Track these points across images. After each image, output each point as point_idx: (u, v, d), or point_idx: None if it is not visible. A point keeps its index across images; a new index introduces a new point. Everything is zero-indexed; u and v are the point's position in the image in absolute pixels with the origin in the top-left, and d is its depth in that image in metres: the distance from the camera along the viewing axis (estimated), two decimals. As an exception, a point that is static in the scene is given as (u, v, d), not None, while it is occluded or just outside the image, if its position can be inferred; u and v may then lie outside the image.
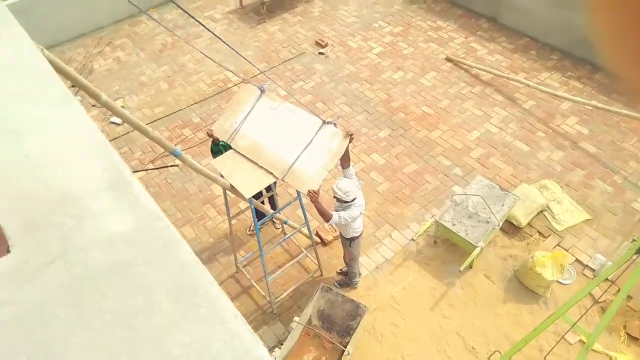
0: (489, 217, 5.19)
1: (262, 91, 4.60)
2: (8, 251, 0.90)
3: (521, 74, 7.71)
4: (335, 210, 4.36)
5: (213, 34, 4.38)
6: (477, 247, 4.96)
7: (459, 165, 6.47)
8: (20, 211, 0.95)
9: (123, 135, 7.27)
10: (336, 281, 5.34)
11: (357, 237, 4.72)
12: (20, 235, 0.92)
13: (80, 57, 8.69)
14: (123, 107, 7.33)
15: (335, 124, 4.15)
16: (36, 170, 1.03)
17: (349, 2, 9.75)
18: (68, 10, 8.70)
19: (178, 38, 9.00)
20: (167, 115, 7.58)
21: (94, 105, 6.99)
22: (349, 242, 4.73)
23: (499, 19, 8.70)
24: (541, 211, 5.76)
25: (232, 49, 4.59)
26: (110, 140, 1.31)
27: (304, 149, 4.14)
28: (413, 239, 5.61)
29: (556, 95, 7.11)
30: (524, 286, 5.18)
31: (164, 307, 0.85)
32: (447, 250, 5.55)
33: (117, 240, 0.92)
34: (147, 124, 3.62)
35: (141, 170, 6.73)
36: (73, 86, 2.91)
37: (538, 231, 5.67)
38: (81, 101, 7.07)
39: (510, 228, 5.67)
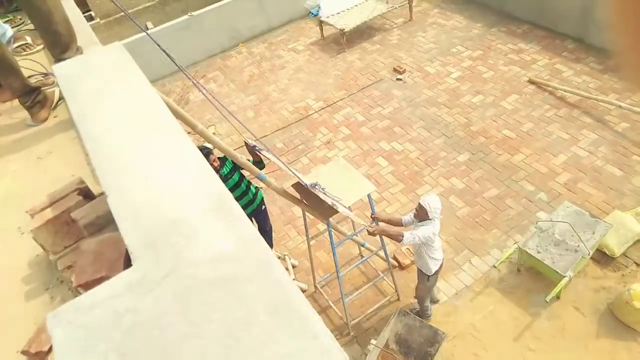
0: (578, 246, 4.94)
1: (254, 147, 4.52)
2: (131, 265, 1.08)
3: (612, 95, 7.29)
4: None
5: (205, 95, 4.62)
6: (564, 276, 4.73)
7: (543, 191, 6.23)
8: (140, 230, 1.13)
9: (213, 160, 7.87)
10: (411, 310, 5.28)
11: (438, 271, 4.59)
12: (140, 252, 1.06)
13: (178, 89, 9.59)
14: (214, 133, 7.95)
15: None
16: (152, 194, 1.23)
17: (427, 29, 9.86)
18: (170, 48, 9.69)
19: (264, 69, 9.65)
20: (254, 141, 8.09)
21: (189, 133, 7.66)
22: (426, 277, 4.61)
23: (586, 39, 8.33)
24: (637, 240, 5.36)
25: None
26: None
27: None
28: (494, 266, 5.46)
29: (654, 117, 6.64)
30: (619, 321, 4.83)
31: (262, 320, 0.94)
32: (531, 279, 5.33)
33: (222, 258, 1.03)
34: (235, 149, 3.98)
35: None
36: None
37: (635, 262, 5.27)
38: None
39: (603, 258, 5.33)
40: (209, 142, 3.83)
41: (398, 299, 5.45)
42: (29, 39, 2.92)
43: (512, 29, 9.18)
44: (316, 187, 4.08)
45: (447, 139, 7.31)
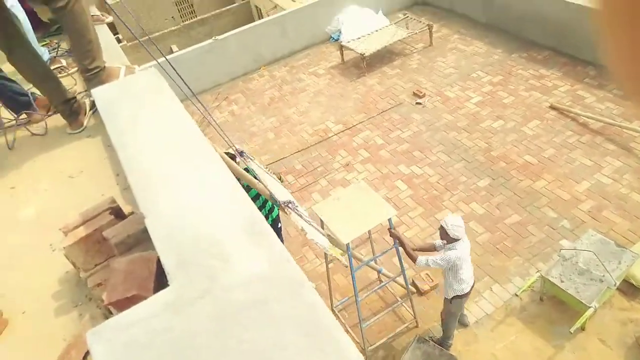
0: (603, 275, 4.81)
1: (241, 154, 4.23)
2: (161, 284, 1.10)
3: (637, 122, 7.19)
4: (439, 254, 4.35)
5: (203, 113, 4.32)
6: (590, 307, 4.60)
7: (566, 218, 6.12)
8: (176, 251, 1.16)
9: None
10: (430, 337, 5.18)
11: (461, 297, 4.51)
12: (176, 273, 1.08)
13: (201, 110, 9.78)
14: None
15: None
16: (187, 215, 1.26)
17: (447, 54, 9.92)
18: (194, 70, 9.96)
19: (285, 92, 9.80)
20: (272, 163, 8.17)
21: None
22: (449, 300, 4.55)
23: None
24: (666, 272, 5.19)
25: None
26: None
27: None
28: (516, 294, 5.35)
29: (681, 145, 6.51)
30: (648, 355, 4.66)
31: (294, 342, 0.94)
32: (554, 309, 5.20)
33: (254, 279, 1.04)
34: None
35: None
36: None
37: (663, 294, 5.10)
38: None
39: (630, 289, 5.17)
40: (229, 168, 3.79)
41: (417, 326, 5.36)
42: (64, 62, 3.05)
43: (533, 55, 9.18)
44: (289, 205, 3.79)
45: (467, 163, 7.27)
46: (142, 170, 1.32)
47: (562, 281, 4.97)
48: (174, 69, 2.70)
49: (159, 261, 1.32)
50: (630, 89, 0.43)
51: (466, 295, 4.51)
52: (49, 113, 2.74)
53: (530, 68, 8.89)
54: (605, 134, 7.16)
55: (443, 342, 5.03)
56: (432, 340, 5.11)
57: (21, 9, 2.86)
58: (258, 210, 1.16)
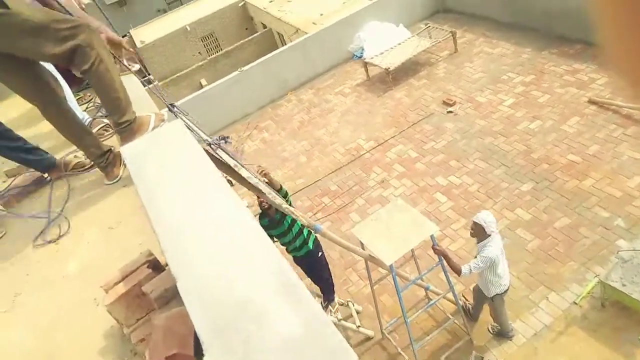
0: (669, 276, 4.48)
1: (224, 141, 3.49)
2: (203, 355, 1.06)
3: (688, 107, 6.77)
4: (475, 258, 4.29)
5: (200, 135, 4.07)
6: (658, 311, 4.29)
7: (621, 216, 5.77)
8: (208, 314, 1.10)
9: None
10: (491, 326, 5.10)
11: (501, 294, 4.49)
12: (210, 339, 1.05)
13: (233, 141, 9.96)
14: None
15: None
16: (217, 273, 1.22)
17: (474, 59, 9.74)
18: (223, 103, 10.20)
19: (313, 115, 9.86)
20: (307, 186, 8.18)
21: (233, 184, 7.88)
22: (490, 299, 4.50)
23: (649, 50, 7.88)
24: None
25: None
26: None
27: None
28: (575, 302, 5.06)
29: None
30: None
31: None
32: (619, 315, 4.87)
33: (291, 343, 1.00)
34: (292, 194, 4.00)
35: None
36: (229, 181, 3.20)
37: None
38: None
39: (701, 287, 4.79)
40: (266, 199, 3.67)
41: (472, 342, 5.14)
42: (106, 121, 3.17)
43: (564, 49, 8.87)
44: (218, 143, 3.15)
45: (507, 168, 7.04)
46: (171, 229, 1.31)
47: (624, 285, 4.66)
48: (187, 121, 2.70)
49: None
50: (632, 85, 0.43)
51: (506, 291, 4.49)
52: (68, 171, 2.83)
53: (563, 64, 8.59)
54: (653, 124, 6.79)
55: (504, 334, 4.98)
56: (495, 332, 5.07)
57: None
58: (288, 265, 1.12)
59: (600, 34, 0.43)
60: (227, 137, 3.33)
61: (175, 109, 2.79)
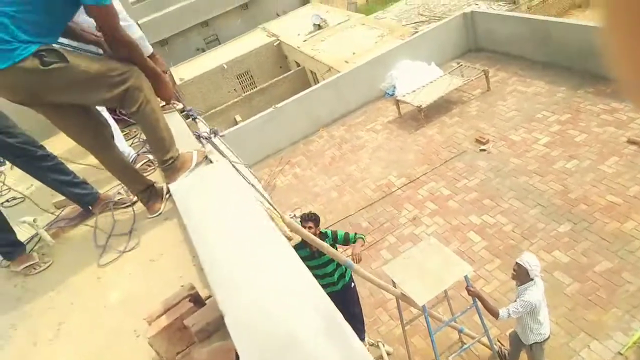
0: None
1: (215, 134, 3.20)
2: None
3: None
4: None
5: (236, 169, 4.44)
6: None
7: (667, 262, 5.51)
8: (256, 352, 1.13)
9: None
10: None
11: (540, 343, 4.27)
12: None
13: (266, 176, 10.13)
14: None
15: None
16: (264, 311, 1.23)
17: (507, 98, 9.71)
18: (257, 138, 10.46)
19: (345, 151, 9.95)
20: (338, 221, 8.18)
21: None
22: (529, 347, 4.30)
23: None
24: None
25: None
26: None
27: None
28: (620, 353, 4.79)
29: None
30: None
31: None
32: (669, 368, 4.58)
33: None
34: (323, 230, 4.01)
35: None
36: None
37: None
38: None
39: None
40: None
41: (508, 391, 4.91)
42: (150, 157, 3.31)
43: (601, 88, 8.74)
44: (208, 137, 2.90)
45: (543, 208, 6.87)
46: (219, 266, 1.36)
47: (673, 336, 4.40)
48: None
49: (237, 352, 1.32)
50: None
51: (546, 340, 4.29)
52: (111, 207, 2.93)
53: (599, 102, 8.46)
54: (698, 165, 6.54)
55: None
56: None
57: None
58: (331, 302, 1.14)
59: (609, 56, 0.42)
60: (217, 130, 3.08)
61: (214, 135, 2.81)
